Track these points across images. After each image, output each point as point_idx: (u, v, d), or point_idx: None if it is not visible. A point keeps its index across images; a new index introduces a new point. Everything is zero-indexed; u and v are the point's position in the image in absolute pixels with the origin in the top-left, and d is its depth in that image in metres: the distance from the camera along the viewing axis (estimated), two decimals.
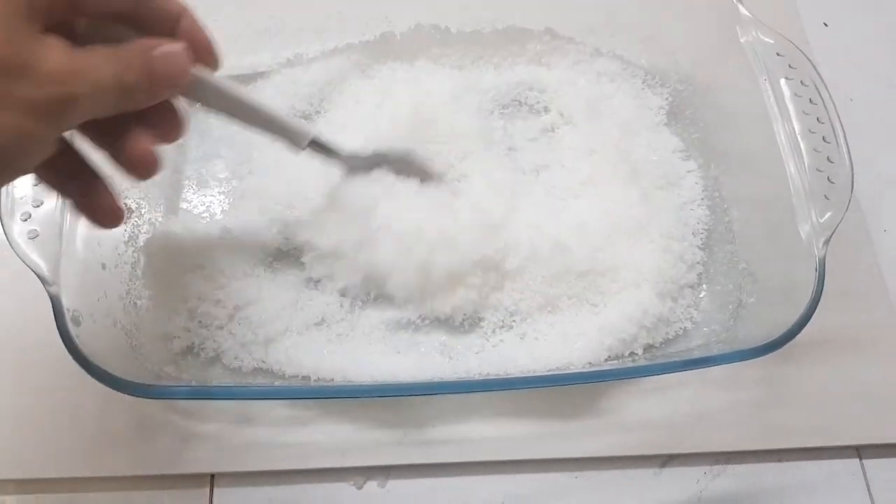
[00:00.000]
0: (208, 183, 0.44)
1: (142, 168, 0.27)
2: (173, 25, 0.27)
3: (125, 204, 0.31)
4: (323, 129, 0.39)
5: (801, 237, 0.37)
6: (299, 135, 0.34)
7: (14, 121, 0.22)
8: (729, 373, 0.41)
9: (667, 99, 0.47)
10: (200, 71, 0.28)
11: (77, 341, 0.32)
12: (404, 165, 0.40)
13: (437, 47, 0.47)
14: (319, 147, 0.36)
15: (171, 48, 0.25)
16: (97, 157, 0.28)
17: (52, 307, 0.32)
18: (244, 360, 0.38)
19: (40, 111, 0.22)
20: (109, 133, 0.27)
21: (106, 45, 0.24)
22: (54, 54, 0.22)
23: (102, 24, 0.26)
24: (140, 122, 0.27)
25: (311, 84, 0.46)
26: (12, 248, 0.33)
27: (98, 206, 0.28)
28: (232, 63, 0.41)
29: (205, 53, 0.28)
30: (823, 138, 0.39)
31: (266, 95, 0.45)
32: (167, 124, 0.28)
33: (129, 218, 0.33)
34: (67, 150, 0.28)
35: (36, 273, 0.33)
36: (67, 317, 0.32)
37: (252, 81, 0.46)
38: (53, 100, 0.22)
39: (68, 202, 0.29)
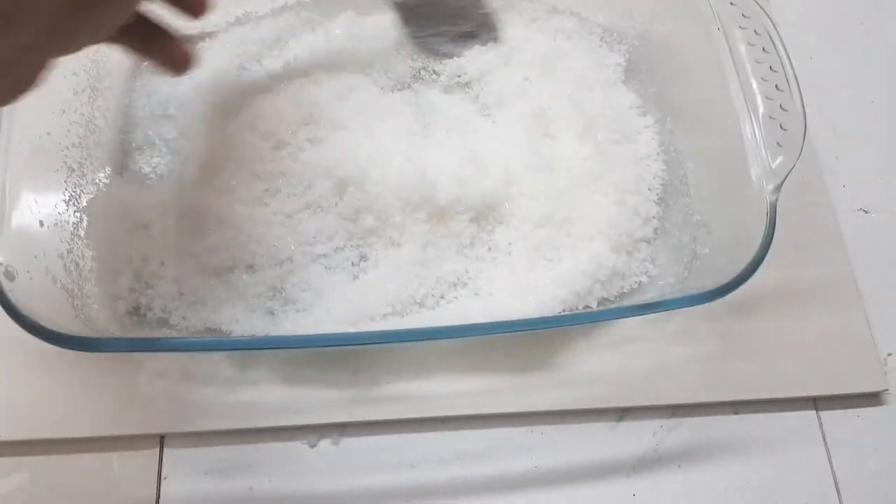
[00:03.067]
0: (155, 144, 0.43)
1: (181, 63, 0.33)
2: None
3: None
4: None
5: (752, 184, 0.36)
6: None
7: None
8: (685, 327, 0.41)
9: (624, 56, 0.47)
10: None
11: (9, 295, 0.31)
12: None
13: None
14: None
15: None
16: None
17: None
18: (191, 321, 0.38)
19: None
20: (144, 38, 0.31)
21: None
22: None
23: None
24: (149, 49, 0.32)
25: (260, 42, 0.45)
26: None
27: (162, 52, 0.33)
28: (180, 22, 0.40)
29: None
30: (776, 86, 0.38)
31: (214, 54, 0.44)
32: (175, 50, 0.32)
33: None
34: None
35: None
36: (0, 271, 0.31)
37: (200, 41, 0.45)
38: None
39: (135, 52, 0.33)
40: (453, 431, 0.39)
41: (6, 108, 0.34)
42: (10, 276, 0.32)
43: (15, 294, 0.31)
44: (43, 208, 0.36)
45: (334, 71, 0.44)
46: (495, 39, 0.45)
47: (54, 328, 0.31)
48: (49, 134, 0.37)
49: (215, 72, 0.44)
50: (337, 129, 0.42)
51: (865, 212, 0.46)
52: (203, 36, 0.45)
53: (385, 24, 0.45)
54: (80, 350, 0.32)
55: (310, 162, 0.40)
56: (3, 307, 0.31)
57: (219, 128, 0.42)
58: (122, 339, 0.35)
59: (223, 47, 0.45)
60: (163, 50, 0.33)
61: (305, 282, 0.39)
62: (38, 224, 0.35)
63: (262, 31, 0.45)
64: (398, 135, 0.41)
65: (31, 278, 0.33)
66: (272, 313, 0.38)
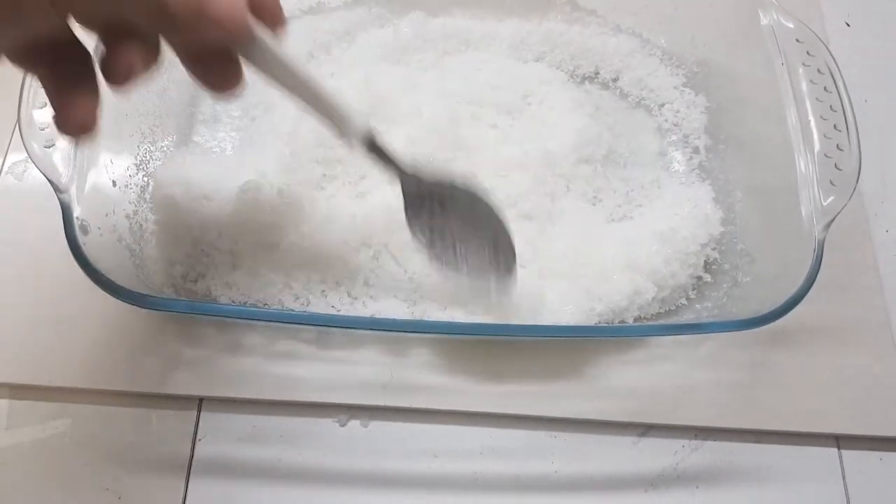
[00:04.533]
0: (220, 119, 0.45)
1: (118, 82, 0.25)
2: None
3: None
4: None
5: (802, 220, 0.37)
6: (354, 128, 0.30)
7: None
8: (716, 352, 0.41)
9: (682, 80, 0.48)
10: (261, 31, 0.26)
11: (83, 248, 0.33)
12: (469, 211, 0.34)
13: (458, 7, 0.47)
14: (375, 149, 0.31)
15: None
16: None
17: (62, 213, 0.33)
18: (242, 290, 0.39)
19: None
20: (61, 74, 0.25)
21: None
22: None
23: None
24: (193, 64, 0.26)
25: (330, 32, 0.46)
26: (28, 154, 0.34)
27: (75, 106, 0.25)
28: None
29: (269, 13, 0.27)
30: (835, 126, 0.39)
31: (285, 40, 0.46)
32: (221, 72, 0.27)
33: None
34: None
35: (49, 180, 0.34)
36: (76, 224, 0.33)
37: None
38: None
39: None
40: (479, 427, 0.40)
41: None
42: (84, 230, 0.34)
43: (87, 247, 0.33)
44: (117, 170, 0.38)
45: (399, 66, 0.45)
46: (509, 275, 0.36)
47: (118, 283, 0.33)
48: (129, 100, 0.39)
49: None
50: (396, 124, 0.43)
51: None
52: None
53: (451, 27, 0.47)
54: (138, 306, 0.34)
55: None
56: (76, 257, 0.33)
57: (281, 111, 0.44)
58: (179, 300, 0.36)
59: (294, 34, 0.46)
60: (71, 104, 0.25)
61: (357, 267, 0.40)
62: (111, 184, 0.37)
63: (333, 22, 0.47)
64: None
65: (101, 234, 0.35)
66: (323, 294, 0.39)
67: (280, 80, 0.29)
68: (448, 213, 0.34)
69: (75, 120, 0.25)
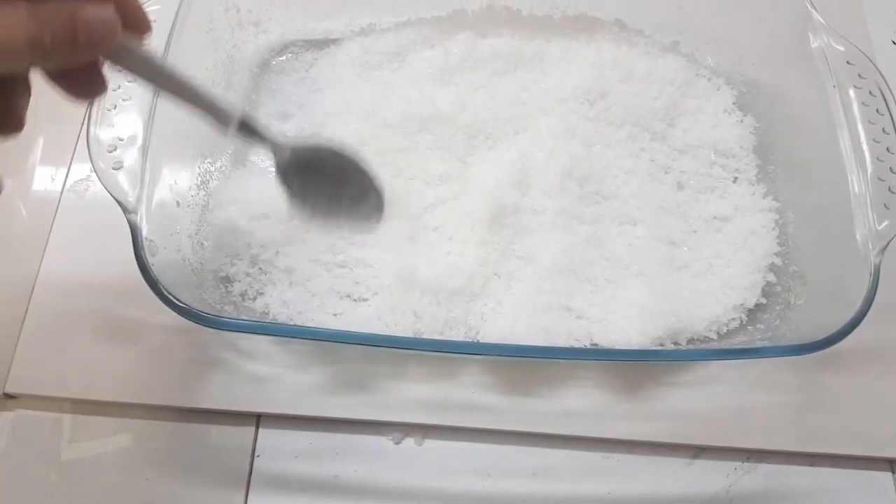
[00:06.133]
0: None
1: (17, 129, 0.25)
2: None
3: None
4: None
5: (857, 244, 0.37)
6: (226, 114, 0.32)
7: None
8: (768, 374, 0.41)
9: (730, 100, 0.48)
10: (128, 39, 0.26)
11: (151, 269, 0.33)
12: (341, 175, 0.37)
13: (507, 27, 0.48)
14: (248, 130, 0.33)
15: (101, 13, 0.23)
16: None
17: (132, 234, 0.34)
18: (300, 310, 0.40)
19: None
20: None
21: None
22: None
23: None
24: (57, 78, 0.25)
25: (381, 53, 0.47)
26: (98, 175, 0.35)
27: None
28: (309, 27, 0.42)
29: (134, 19, 0.26)
30: (888, 149, 0.39)
31: (337, 61, 0.47)
32: (87, 81, 0.26)
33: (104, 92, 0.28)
34: None
35: (118, 200, 0.34)
36: (145, 245, 0.34)
37: (325, 47, 0.48)
38: None
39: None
40: (531, 447, 0.40)
41: (152, 97, 0.37)
42: (152, 250, 0.34)
43: (156, 268, 0.34)
44: (181, 189, 0.39)
45: (448, 86, 0.46)
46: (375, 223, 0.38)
47: (184, 303, 0.33)
48: (191, 121, 0.40)
49: (336, 77, 0.46)
50: (443, 149, 0.43)
51: None
52: (328, 42, 0.48)
53: (500, 48, 0.47)
54: (203, 325, 0.34)
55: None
56: (145, 278, 0.33)
57: (330, 129, 0.45)
58: (242, 321, 0.37)
59: (347, 55, 0.47)
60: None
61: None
62: (175, 203, 0.38)
63: (383, 43, 0.47)
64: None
65: (166, 253, 0.36)
66: (377, 316, 0.40)
67: (151, 81, 0.30)
68: (321, 174, 0.37)
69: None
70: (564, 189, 0.42)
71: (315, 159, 0.36)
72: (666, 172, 0.45)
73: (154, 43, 0.38)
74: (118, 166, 0.35)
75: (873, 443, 0.40)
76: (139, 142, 0.36)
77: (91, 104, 0.36)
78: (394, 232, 0.41)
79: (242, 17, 0.46)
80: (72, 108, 0.35)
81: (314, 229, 0.41)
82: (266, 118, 0.46)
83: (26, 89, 0.25)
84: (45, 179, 0.46)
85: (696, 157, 0.46)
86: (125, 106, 0.36)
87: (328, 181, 0.37)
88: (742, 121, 0.47)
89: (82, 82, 0.26)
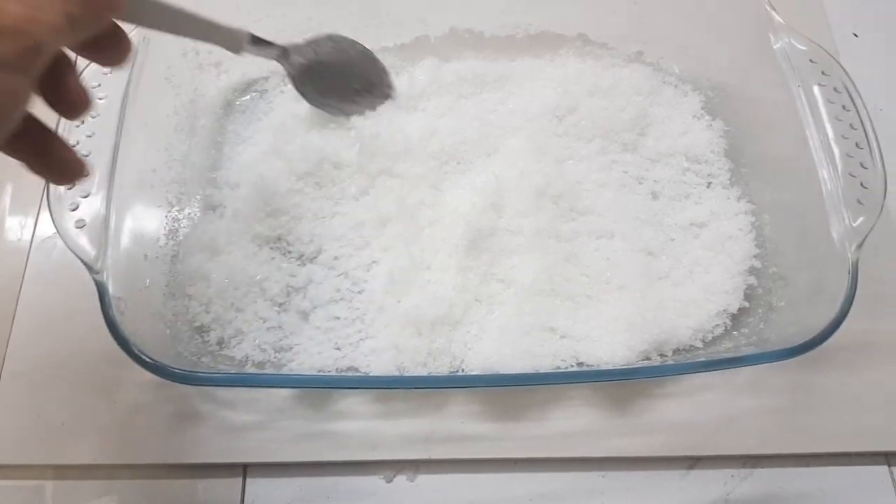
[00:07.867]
0: (241, 183, 0.44)
1: (80, 105, 0.27)
2: None
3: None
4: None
5: (833, 241, 0.37)
6: (236, 35, 0.36)
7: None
8: (755, 378, 0.41)
9: (698, 106, 0.48)
10: None
11: (121, 328, 0.33)
12: (347, 63, 0.43)
13: (470, 51, 0.48)
14: (259, 43, 0.38)
15: None
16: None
17: (98, 294, 0.33)
18: (279, 357, 0.39)
19: (15, 65, 0.22)
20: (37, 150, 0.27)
21: None
22: (10, 6, 0.22)
23: None
24: (88, 51, 0.27)
25: None
26: (61, 236, 0.34)
27: (57, 161, 0.28)
28: (272, 64, 0.42)
29: None
30: (856, 144, 0.39)
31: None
32: (114, 48, 0.28)
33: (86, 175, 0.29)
34: None
35: (83, 261, 0.34)
36: (113, 304, 0.33)
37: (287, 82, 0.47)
38: (22, 51, 0.22)
39: (25, 163, 0.27)
40: (526, 473, 0.39)
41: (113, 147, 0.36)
42: (121, 308, 0.33)
43: (125, 326, 0.33)
44: (147, 241, 0.38)
45: (416, 113, 0.46)
46: (390, 95, 0.45)
47: (158, 360, 0.33)
48: (154, 171, 0.39)
49: (292, 112, 0.46)
50: (417, 178, 0.43)
51: None
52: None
53: (465, 70, 0.47)
54: (179, 382, 0.33)
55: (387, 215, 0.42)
56: (115, 338, 0.33)
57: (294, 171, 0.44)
58: (218, 374, 0.36)
59: None
60: (46, 156, 0.28)
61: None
62: (143, 257, 0.37)
63: None
64: None
65: (136, 309, 0.35)
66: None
67: (164, 25, 0.32)
68: (331, 68, 0.43)
69: (72, 169, 0.28)
70: (539, 208, 0.42)
71: (323, 53, 0.42)
72: (640, 183, 0.45)
73: (111, 93, 0.37)
74: (81, 224, 0.35)
75: (867, 438, 0.40)
76: (101, 198, 0.35)
77: None
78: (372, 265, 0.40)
79: (202, 60, 0.45)
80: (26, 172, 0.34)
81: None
82: (232, 160, 0.45)
83: (69, 66, 0.27)
84: (15, 230, 0.44)
85: (669, 165, 0.46)
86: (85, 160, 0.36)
87: (339, 72, 0.43)
88: (711, 125, 0.47)
89: (112, 47, 0.28)
